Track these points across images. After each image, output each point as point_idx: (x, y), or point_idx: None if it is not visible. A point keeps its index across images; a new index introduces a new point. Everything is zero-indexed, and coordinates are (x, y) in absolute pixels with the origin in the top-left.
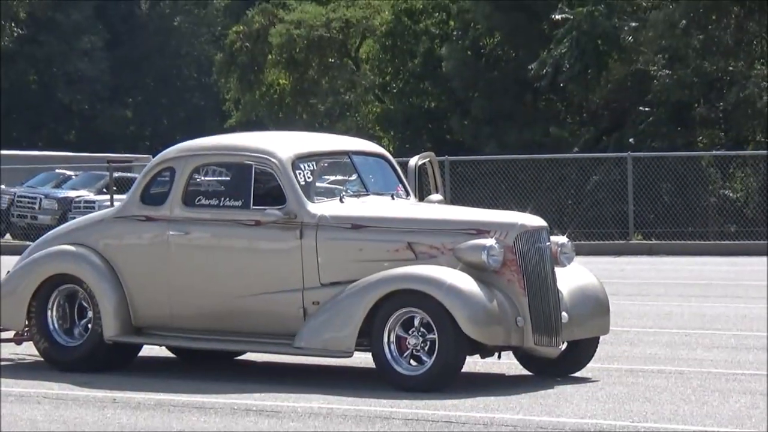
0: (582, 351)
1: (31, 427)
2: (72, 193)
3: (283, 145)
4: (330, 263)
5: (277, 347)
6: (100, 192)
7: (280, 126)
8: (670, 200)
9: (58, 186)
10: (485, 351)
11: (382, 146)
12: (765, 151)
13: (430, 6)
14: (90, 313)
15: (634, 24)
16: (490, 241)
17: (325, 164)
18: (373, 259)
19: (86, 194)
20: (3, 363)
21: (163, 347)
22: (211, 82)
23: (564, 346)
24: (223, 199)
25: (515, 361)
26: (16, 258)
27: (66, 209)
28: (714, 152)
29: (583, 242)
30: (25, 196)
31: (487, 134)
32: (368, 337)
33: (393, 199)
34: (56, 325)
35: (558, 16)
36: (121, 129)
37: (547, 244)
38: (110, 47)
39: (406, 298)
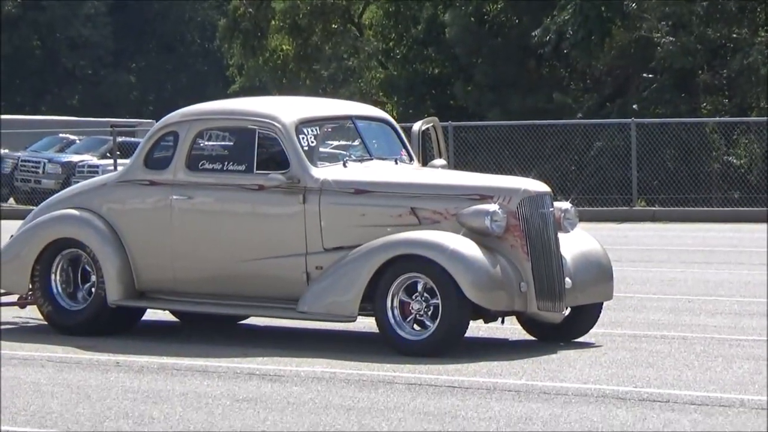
0: (585, 316)
1: (35, 390)
2: (75, 158)
3: (286, 109)
4: (333, 228)
5: (281, 312)
6: (103, 156)
7: (283, 92)
8: (673, 166)
9: (61, 150)
10: (488, 316)
11: (386, 112)
12: None
13: None
14: (93, 277)
15: None
16: (493, 207)
17: (329, 129)
18: (376, 224)
19: (90, 159)
20: (7, 327)
21: (167, 311)
22: (215, 48)
23: (567, 312)
24: (226, 163)
25: (518, 327)
26: (19, 222)
27: (69, 173)
28: (718, 119)
29: (586, 208)
30: (28, 161)
31: (490, 100)
32: (371, 301)
33: (396, 164)
34: (60, 289)
35: None
36: (124, 94)
37: (551, 209)
38: (113, 12)
39: (409, 263)
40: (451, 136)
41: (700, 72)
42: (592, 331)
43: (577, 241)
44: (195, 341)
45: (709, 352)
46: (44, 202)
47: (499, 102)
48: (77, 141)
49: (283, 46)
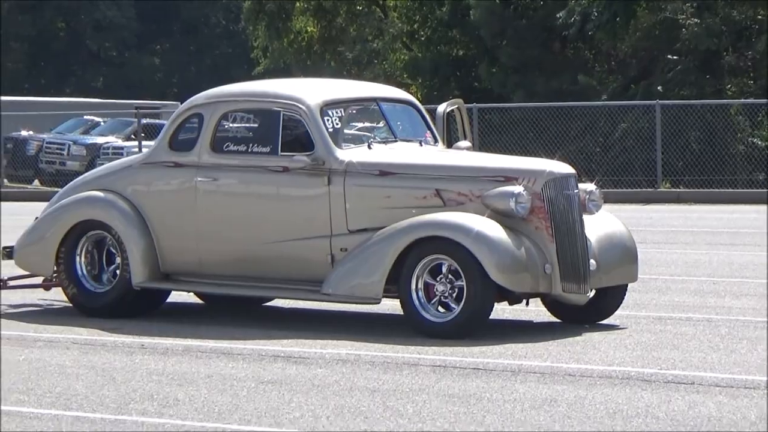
0: (610, 298)
1: (60, 372)
2: (100, 140)
3: (311, 91)
4: (358, 210)
5: (305, 294)
6: (128, 138)
7: (308, 74)
8: (698, 148)
9: (86, 132)
10: (513, 298)
11: (410, 94)
12: None
13: None
14: (118, 260)
15: None
16: (518, 189)
17: (353, 111)
18: (401, 205)
19: (114, 140)
20: (32, 309)
21: (191, 293)
22: (239, 30)
23: (592, 294)
24: (251, 145)
25: (543, 309)
26: (44, 204)
27: (94, 155)
28: (742, 100)
29: (611, 190)
30: (53, 143)
31: (515, 82)
32: (396, 283)
33: (421, 146)
34: (85, 271)
35: None
36: (148, 76)
37: (575, 191)
38: None
39: (434, 245)
40: (475, 118)
41: (724, 54)
42: (616, 313)
43: (602, 223)
44: (220, 323)
45: (734, 334)
46: (69, 184)
47: (523, 84)
48: (102, 123)
49: (308, 28)
